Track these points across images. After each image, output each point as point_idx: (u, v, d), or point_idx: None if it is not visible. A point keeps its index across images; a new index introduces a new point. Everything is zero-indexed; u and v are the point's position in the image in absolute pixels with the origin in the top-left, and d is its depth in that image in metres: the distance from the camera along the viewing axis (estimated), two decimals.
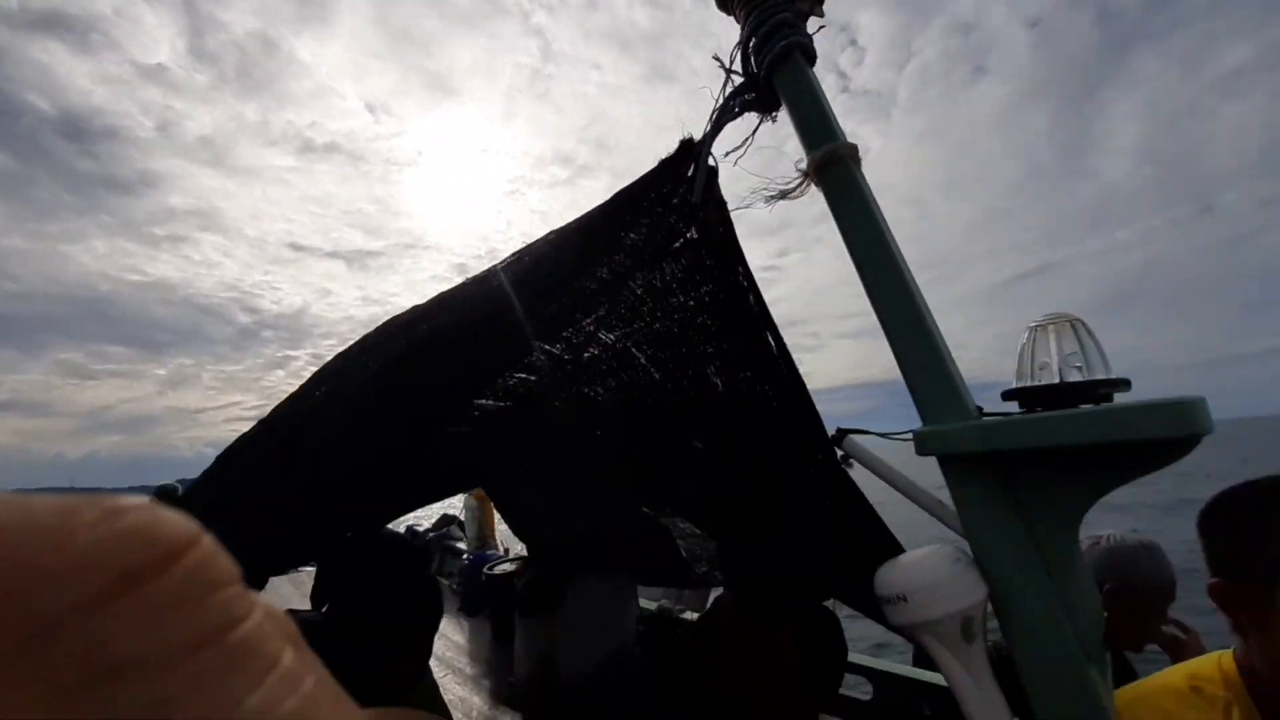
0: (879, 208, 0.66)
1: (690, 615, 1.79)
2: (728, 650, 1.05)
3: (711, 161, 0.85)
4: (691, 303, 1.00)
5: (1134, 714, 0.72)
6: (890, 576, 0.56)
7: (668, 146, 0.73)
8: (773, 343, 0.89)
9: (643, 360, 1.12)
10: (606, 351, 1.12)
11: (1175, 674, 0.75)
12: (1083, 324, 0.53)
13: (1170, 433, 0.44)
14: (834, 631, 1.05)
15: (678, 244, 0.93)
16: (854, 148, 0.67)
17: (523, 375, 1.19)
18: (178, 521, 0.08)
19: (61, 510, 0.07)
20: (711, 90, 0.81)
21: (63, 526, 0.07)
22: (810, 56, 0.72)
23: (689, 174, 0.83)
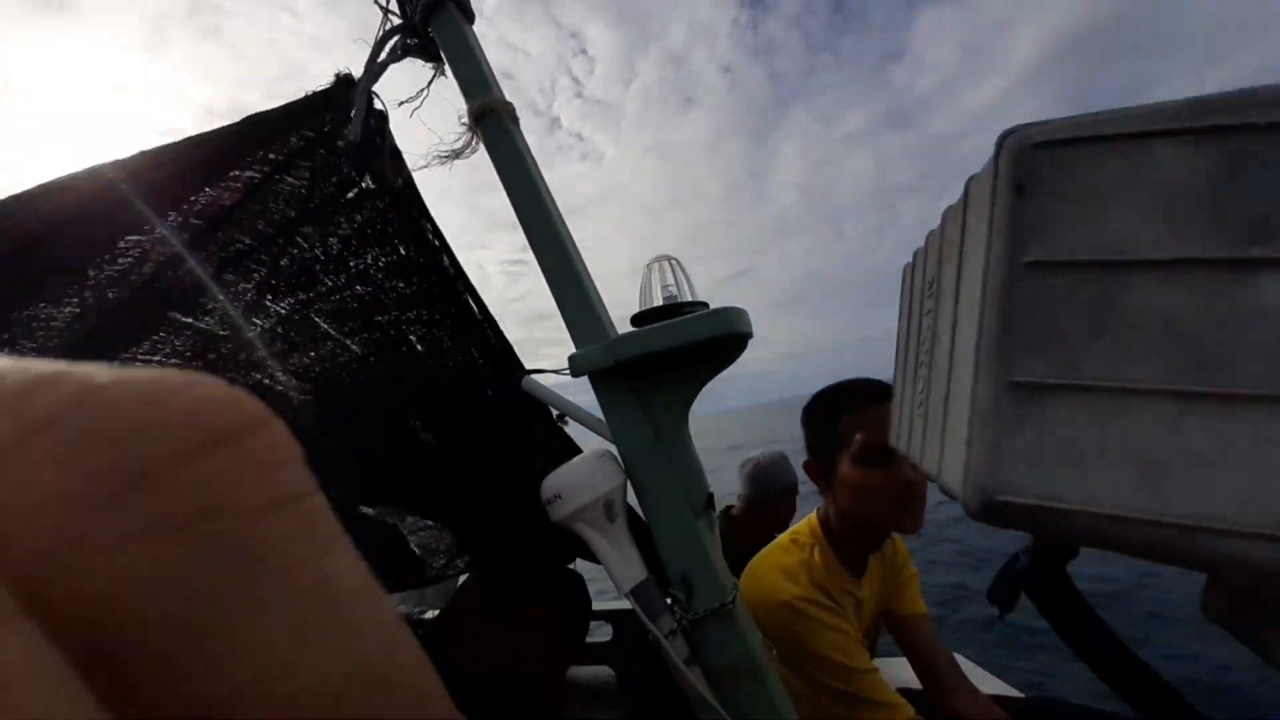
0: (534, 161, 0.73)
1: (432, 614, 1.73)
2: (477, 632, 1.05)
3: (380, 106, 0.81)
4: (382, 264, 0.95)
5: (755, 567, 0.96)
6: (549, 483, 0.64)
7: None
8: (474, 305, 0.91)
9: (333, 332, 1.01)
10: (282, 324, 0.99)
11: (785, 535, 1.02)
12: (677, 261, 0.68)
13: (719, 331, 0.60)
14: (578, 590, 1.14)
15: (352, 194, 0.87)
16: (509, 105, 0.73)
17: (153, 358, 0.97)
18: (252, 400, 0.08)
19: (156, 377, 0.08)
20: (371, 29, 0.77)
21: (159, 389, 0.08)
22: (466, 12, 0.74)
23: (355, 117, 0.79)
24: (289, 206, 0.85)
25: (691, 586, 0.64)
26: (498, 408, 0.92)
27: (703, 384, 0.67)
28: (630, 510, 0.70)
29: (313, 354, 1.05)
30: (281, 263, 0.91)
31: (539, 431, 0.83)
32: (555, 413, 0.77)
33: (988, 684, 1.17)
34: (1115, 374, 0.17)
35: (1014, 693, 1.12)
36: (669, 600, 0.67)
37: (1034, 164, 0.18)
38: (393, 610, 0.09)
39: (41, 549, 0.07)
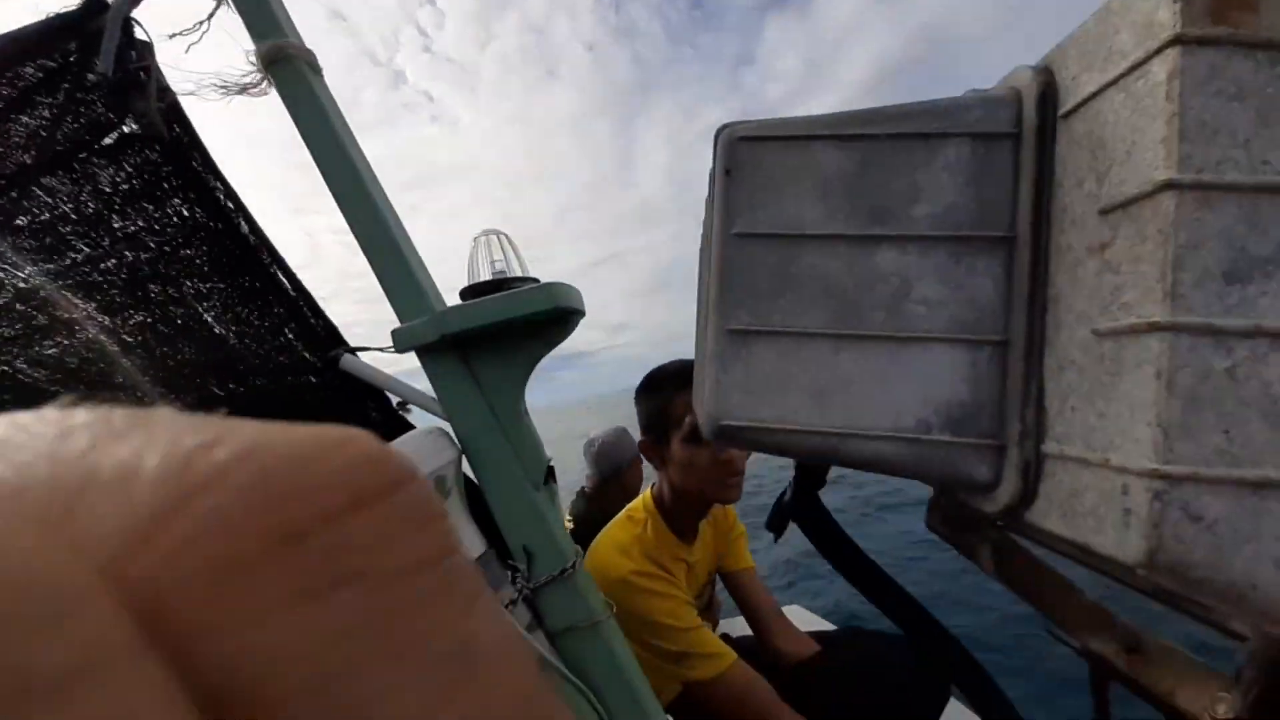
0: (342, 118, 0.67)
1: None
2: None
3: (143, 35, 0.69)
4: (159, 227, 0.81)
5: (595, 545, 1.01)
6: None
7: None
8: (283, 277, 0.81)
9: (94, 313, 0.84)
10: (21, 300, 0.80)
11: (623, 512, 1.08)
12: (506, 236, 0.69)
13: (548, 306, 0.62)
14: None
15: (109, 139, 0.73)
16: (310, 53, 0.66)
17: None
18: (401, 456, 0.09)
19: (314, 435, 0.08)
20: None
21: (315, 449, 0.08)
22: None
23: (107, 44, 0.66)
24: (23, 151, 0.68)
25: (532, 555, 0.66)
26: (322, 393, 0.85)
27: (535, 359, 0.69)
28: (469, 483, 0.69)
29: (65, 340, 0.86)
30: (17, 221, 0.73)
31: (375, 417, 0.78)
32: (394, 398, 0.73)
33: (813, 625, 1.36)
34: (793, 322, 0.23)
35: (830, 627, 1.33)
36: (509, 571, 0.68)
37: (738, 153, 0.23)
38: (534, 668, 0.09)
39: (193, 614, 0.07)
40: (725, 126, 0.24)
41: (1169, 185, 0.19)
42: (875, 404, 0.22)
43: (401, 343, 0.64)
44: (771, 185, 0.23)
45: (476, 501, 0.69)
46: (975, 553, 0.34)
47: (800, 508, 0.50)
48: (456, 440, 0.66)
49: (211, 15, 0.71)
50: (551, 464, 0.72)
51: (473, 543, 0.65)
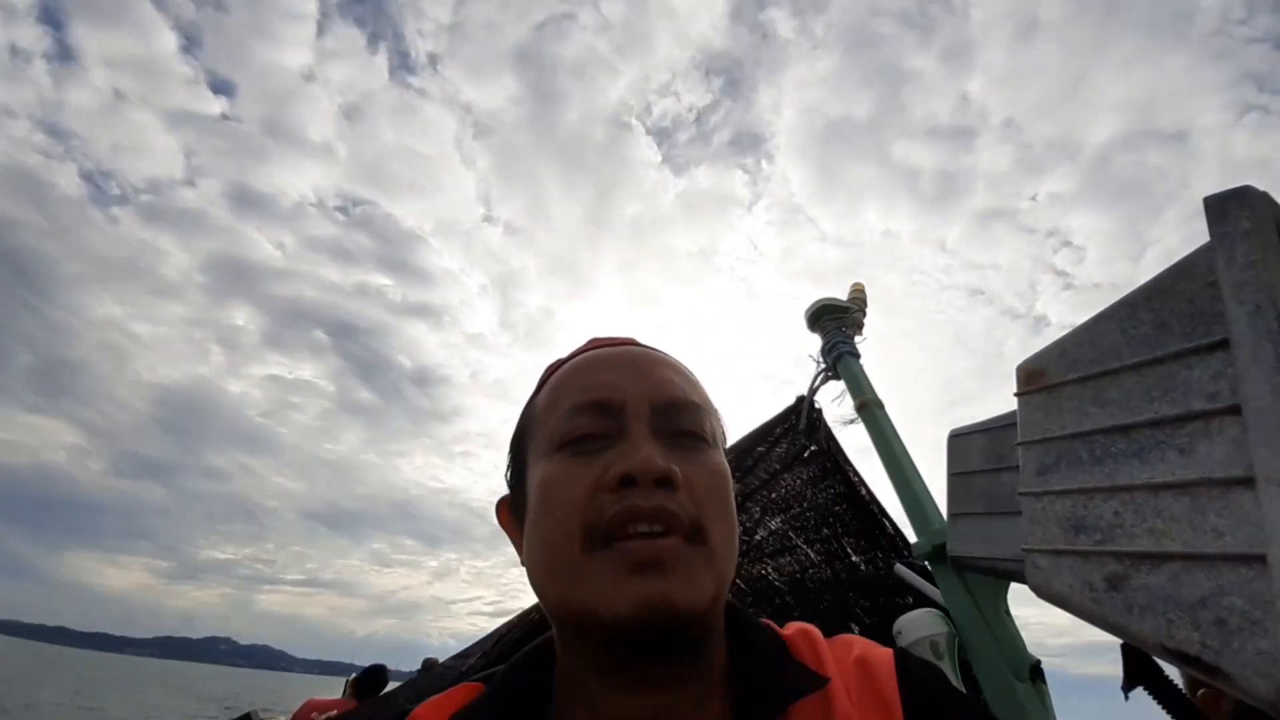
0: (895, 439, 1.22)
1: None
2: None
3: (819, 406, 1.54)
4: (824, 496, 1.58)
5: None
6: (897, 623, 0.98)
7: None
8: (888, 525, 1.39)
9: (800, 543, 1.64)
10: (772, 536, 1.69)
11: None
12: None
13: None
14: None
15: (805, 454, 1.58)
16: (879, 400, 1.28)
17: None
18: None
19: None
20: (809, 367, 1.53)
21: None
22: (855, 355, 1.40)
23: (802, 413, 1.54)
24: (778, 463, 1.61)
25: None
26: (890, 586, 1.29)
27: (1010, 583, 0.90)
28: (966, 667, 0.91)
29: (786, 557, 1.70)
30: (771, 496, 1.65)
31: (910, 603, 1.14)
32: (920, 590, 1.09)
33: None
34: None
35: None
36: None
37: None
38: None
39: None
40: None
41: None
42: None
43: (917, 553, 1.02)
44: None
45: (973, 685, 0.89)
46: None
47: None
48: (953, 625, 0.93)
49: (823, 379, 1.48)
50: (1039, 662, 0.84)
51: None
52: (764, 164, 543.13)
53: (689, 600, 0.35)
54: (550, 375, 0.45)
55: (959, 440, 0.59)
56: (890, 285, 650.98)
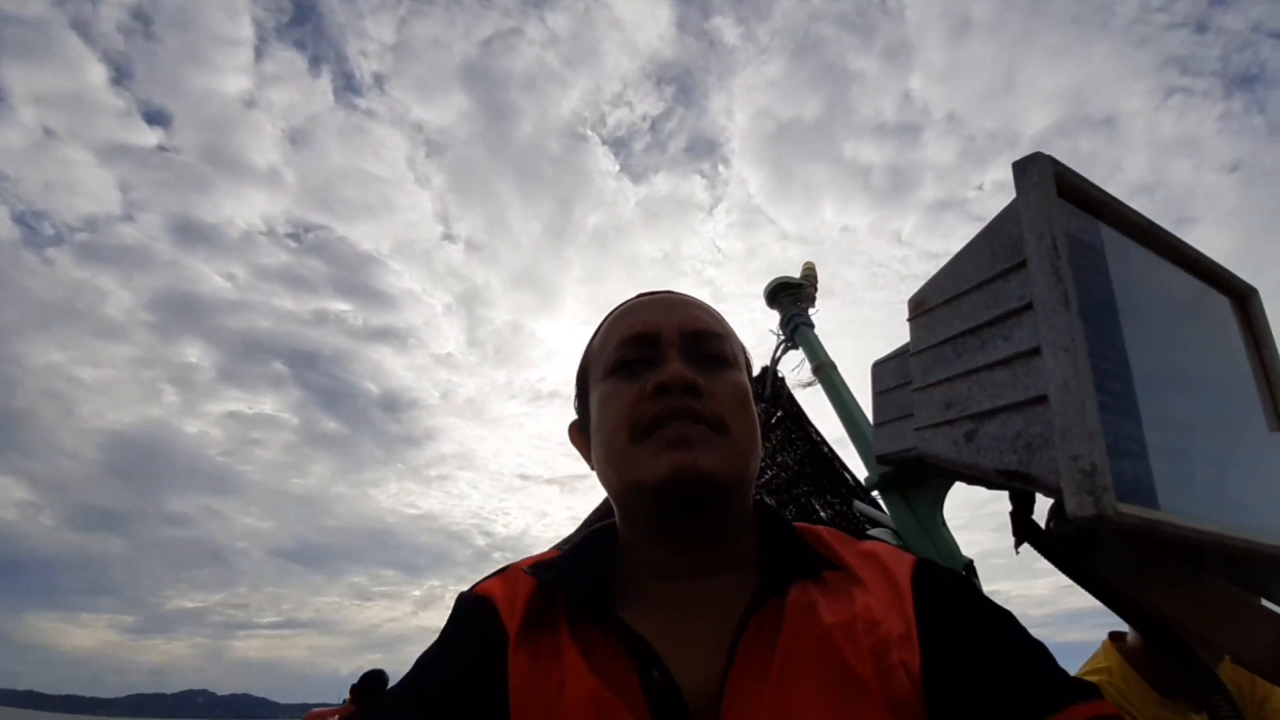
0: (846, 386, 1.39)
1: None
2: None
3: (781, 375, 1.70)
4: (793, 459, 1.74)
5: None
6: None
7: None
8: (848, 476, 1.56)
9: (773, 504, 1.80)
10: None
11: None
12: None
13: None
14: None
15: (773, 420, 1.73)
16: (832, 363, 1.44)
17: None
18: None
19: None
20: (770, 336, 1.69)
21: None
22: (810, 325, 1.57)
23: (767, 382, 1.69)
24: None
25: None
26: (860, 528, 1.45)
27: (945, 489, 1.07)
28: None
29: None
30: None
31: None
32: (867, 516, 1.26)
33: None
34: None
35: None
36: None
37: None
38: None
39: None
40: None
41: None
42: None
43: (868, 484, 1.19)
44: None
45: None
46: None
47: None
48: (902, 540, 1.09)
49: (783, 350, 1.65)
50: (971, 561, 1.01)
51: None
52: (721, 168, 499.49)
53: (711, 466, 0.45)
54: (605, 321, 0.59)
55: (879, 367, 0.75)
56: (851, 279, 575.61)
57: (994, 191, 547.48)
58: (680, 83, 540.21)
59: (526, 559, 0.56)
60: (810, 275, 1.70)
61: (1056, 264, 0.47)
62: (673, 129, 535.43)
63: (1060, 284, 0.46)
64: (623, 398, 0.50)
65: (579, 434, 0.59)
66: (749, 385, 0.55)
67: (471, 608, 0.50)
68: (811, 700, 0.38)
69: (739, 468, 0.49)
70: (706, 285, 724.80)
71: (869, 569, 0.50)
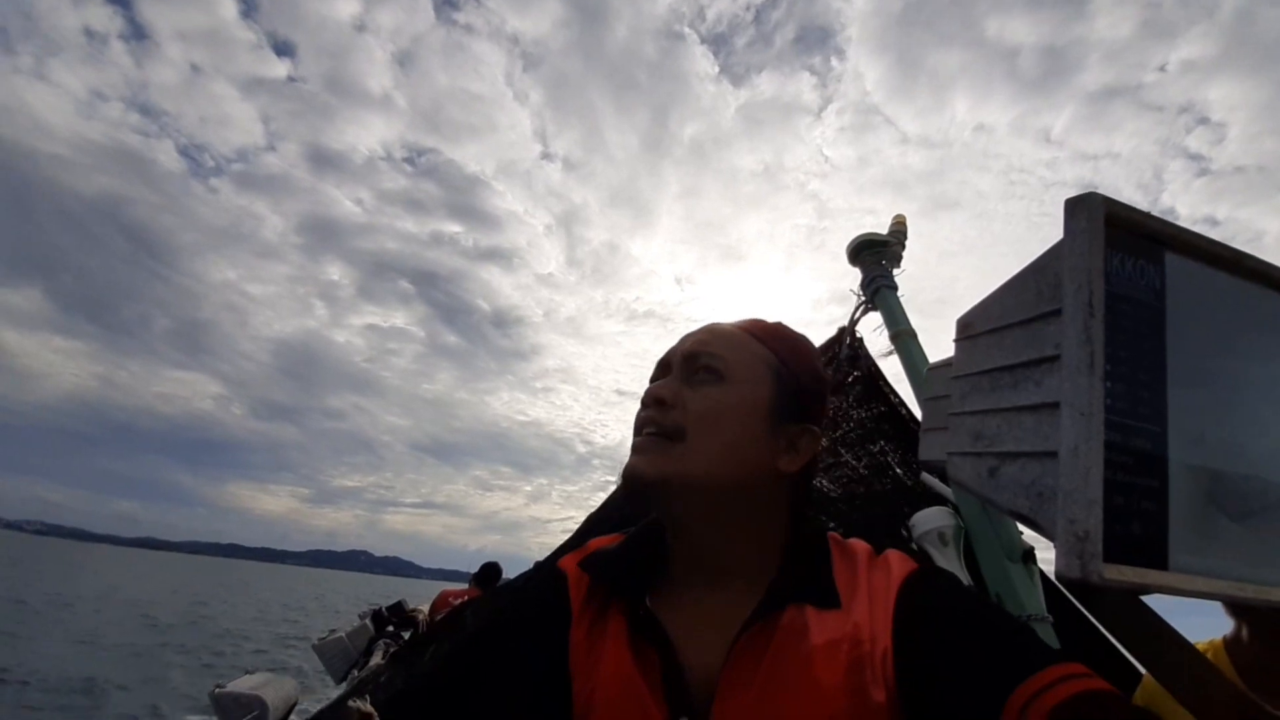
0: (925, 358, 1.34)
1: None
2: None
3: (859, 335, 1.67)
4: (869, 415, 1.74)
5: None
6: (913, 519, 1.17)
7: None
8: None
9: (849, 458, 1.82)
10: (823, 451, 1.87)
11: None
12: None
13: None
14: None
15: (850, 379, 1.73)
16: (912, 331, 1.39)
17: None
18: None
19: None
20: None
21: None
22: (893, 288, 1.50)
23: (847, 342, 1.68)
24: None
25: (1000, 599, 0.99)
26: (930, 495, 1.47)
27: None
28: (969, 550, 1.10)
29: (838, 472, 1.89)
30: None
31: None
32: (940, 491, 1.27)
33: None
34: None
35: None
36: None
37: None
38: None
39: None
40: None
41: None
42: None
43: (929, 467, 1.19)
44: None
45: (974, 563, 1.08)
46: None
47: None
48: (961, 519, 1.11)
49: (862, 311, 1.60)
50: (1032, 549, 1.01)
51: (962, 579, 1.05)
52: (834, 62, 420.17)
53: (652, 470, 0.52)
54: None
55: (932, 372, 0.76)
56: (983, 188, 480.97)
57: (1181, 73, 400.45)
58: None
59: (600, 539, 0.66)
60: (900, 230, 1.60)
61: (1089, 323, 0.46)
62: (779, 18, 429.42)
63: (1088, 344, 0.46)
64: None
65: None
66: (740, 396, 0.57)
67: (550, 579, 0.61)
68: (788, 714, 0.45)
69: (684, 471, 0.53)
70: (810, 200, 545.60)
71: (876, 583, 0.55)
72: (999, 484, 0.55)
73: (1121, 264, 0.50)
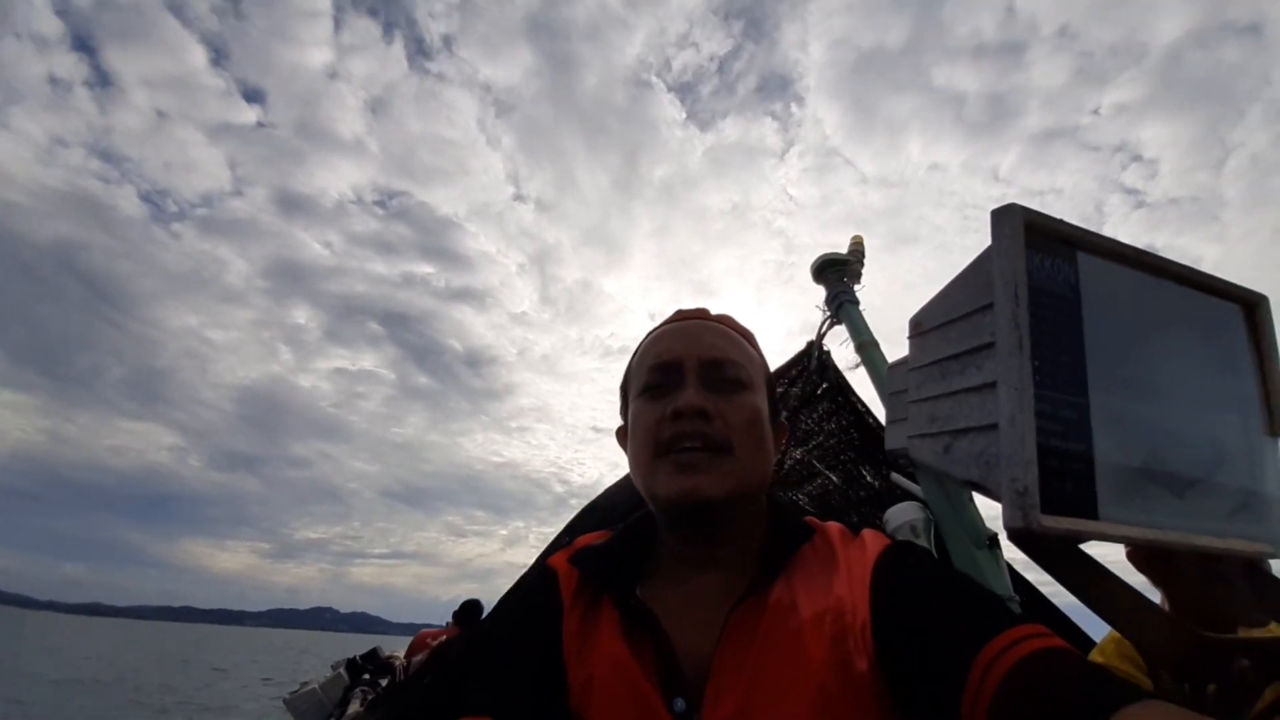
0: (885, 360, 1.44)
1: None
2: None
3: (827, 349, 1.77)
4: (837, 427, 1.82)
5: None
6: (885, 514, 1.25)
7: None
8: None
9: (823, 469, 1.90)
10: (798, 464, 1.94)
11: None
12: None
13: None
14: None
15: (819, 391, 1.82)
16: (875, 341, 1.49)
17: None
18: None
19: None
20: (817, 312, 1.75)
21: None
22: (855, 302, 1.61)
23: (812, 356, 1.77)
24: (795, 401, 1.85)
25: None
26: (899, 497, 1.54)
27: None
28: (940, 542, 1.17)
29: (814, 483, 1.96)
30: (793, 431, 1.91)
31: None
32: (905, 488, 1.35)
33: None
34: None
35: None
36: None
37: None
38: None
39: None
40: None
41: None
42: None
43: (894, 460, 1.27)
44: None
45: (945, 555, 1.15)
46: None
47: None
48: (930, 512, 1.18)
49: (828, 325, 1.70)
50: (995, 535, 1.09)
51: None
52: (794, 108, 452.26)
53: (712, 489, 0.53)
54: (642, 343, 0.66)
55: (893, 370, 0.84)
56: (940, 223, 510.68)
57: (1114, 115, 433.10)
58: (749, 15, 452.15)
59: (588, 536, 0.70)
60: (858, 250, 1.71)
61: (1015, 312, 0.55)
62: (741, 68, 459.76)
63: (1016, 330, 0.54)
64: (649, 418, 0.58)
65: (621, 437, 0.69)
66: (762, 403, 0.62)
67: (543, 576, 0.62)
68: (779, 689, 0.47)
69: (741, 485, 0.56)
70: (777, 237, 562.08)
71: (854, 559, 0.59)
72: (953, 458, 0.62)
73: (1041, 263, 0.59)
